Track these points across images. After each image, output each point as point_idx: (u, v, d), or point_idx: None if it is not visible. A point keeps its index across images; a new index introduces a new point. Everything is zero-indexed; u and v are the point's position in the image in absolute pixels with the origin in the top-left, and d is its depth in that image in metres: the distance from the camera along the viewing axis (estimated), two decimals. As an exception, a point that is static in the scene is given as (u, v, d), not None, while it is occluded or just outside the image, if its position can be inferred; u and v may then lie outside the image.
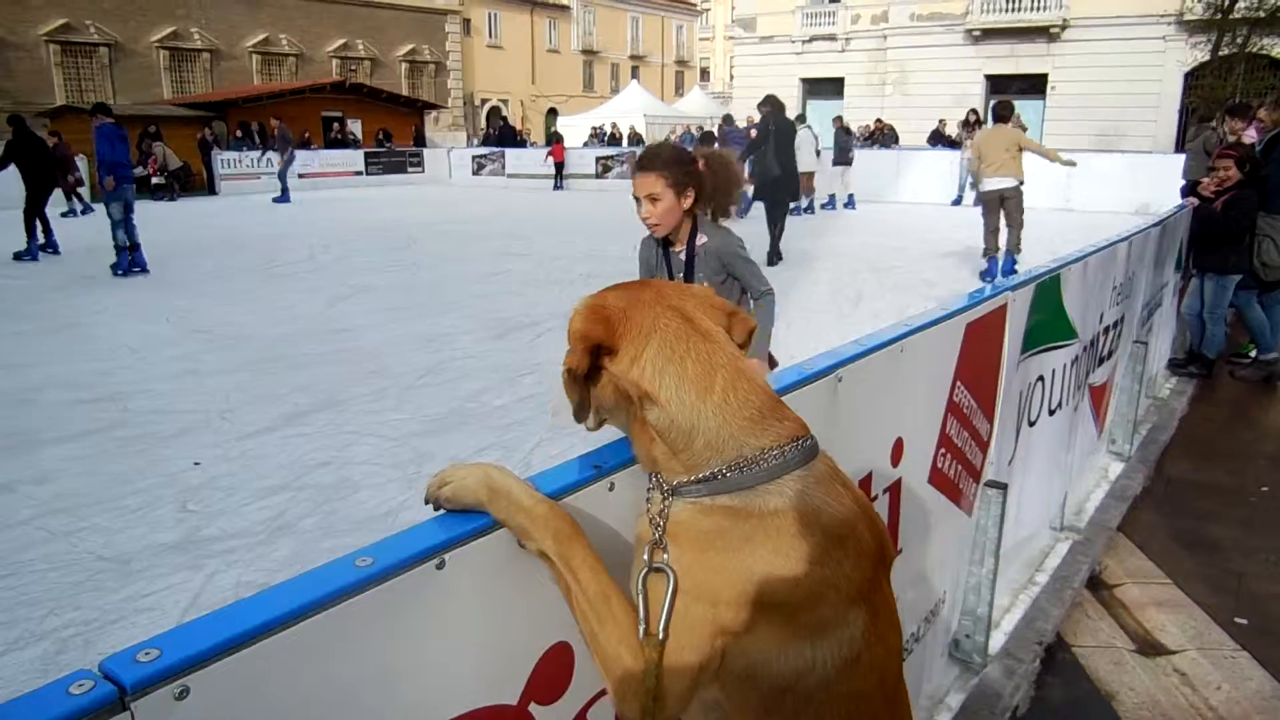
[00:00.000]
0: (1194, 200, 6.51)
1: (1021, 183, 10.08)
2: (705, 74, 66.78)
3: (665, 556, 1.11)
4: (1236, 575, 3.75)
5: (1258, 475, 4.87)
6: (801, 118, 21.50)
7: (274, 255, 12.72)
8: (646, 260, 3.43)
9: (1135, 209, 14.99)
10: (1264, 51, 24.73)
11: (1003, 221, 10.28)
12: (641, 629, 1.09)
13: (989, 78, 32.39)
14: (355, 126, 30.67)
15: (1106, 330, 4.22)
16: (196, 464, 4.76)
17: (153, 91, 33.42)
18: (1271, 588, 3.65)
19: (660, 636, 1.07)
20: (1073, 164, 11.26)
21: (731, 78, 44.15)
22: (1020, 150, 10.12)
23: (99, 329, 8.15)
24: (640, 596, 1.10)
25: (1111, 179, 17.70)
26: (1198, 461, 5.12)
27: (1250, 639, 3.25)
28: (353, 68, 40.35)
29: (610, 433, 1.28)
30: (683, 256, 3.28)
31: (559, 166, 26.32)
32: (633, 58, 58.25)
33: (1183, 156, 17.43)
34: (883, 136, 26.60)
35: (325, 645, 0.93)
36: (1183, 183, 6.96)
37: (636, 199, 3.13)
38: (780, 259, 11.68)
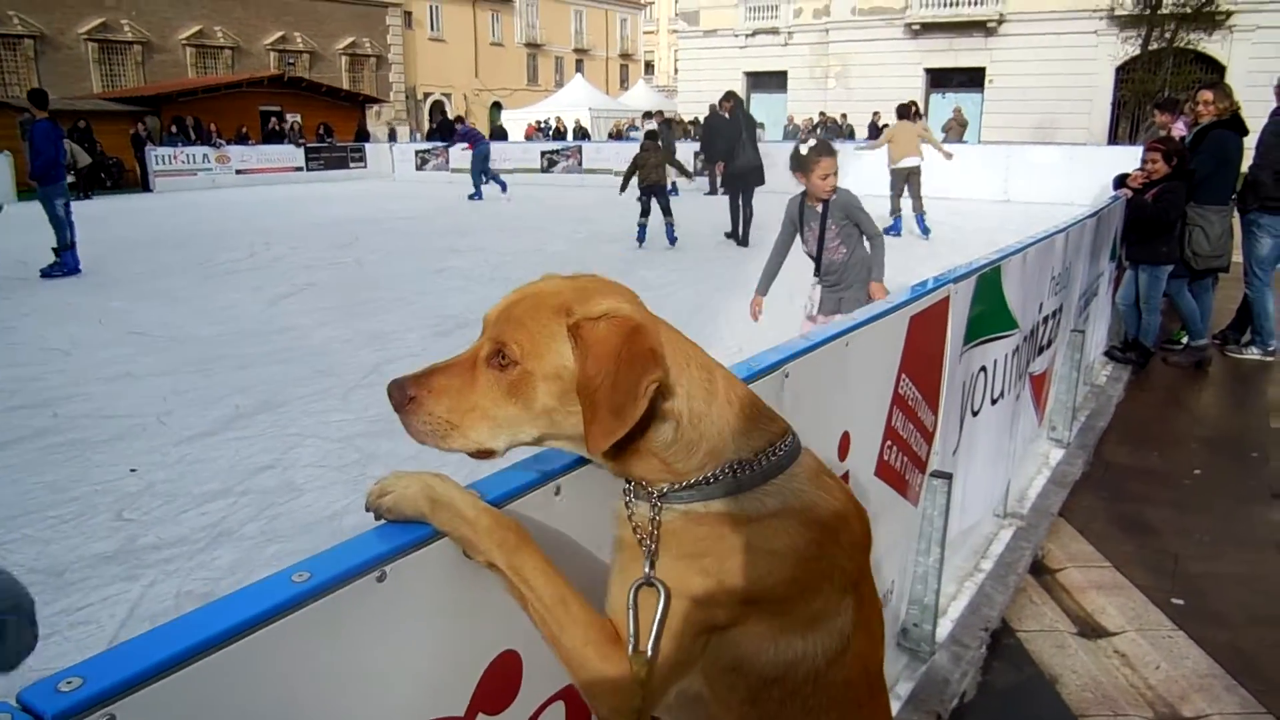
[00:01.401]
0: (1126, 192, 6.67)
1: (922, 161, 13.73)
2: (650, 67, 66.77)
3: (651, 571, 1.08)
4: (1173, 556, 3.85)
5: (1190, 459, 5.01)
6: (649, 114, 23.28)
7: (212, 253, 12.43)
8: (792, 215, 5.03)
9: (1091, 198, 15.63)
10: (1191, 46, 25.46)
11: (906, 193, 13.64)
12: (631, 645, 1.05)
13: (929, 71, 32.89)
14: (296, 121, 30.10)
15: (1045, 320, 4.31)
16: (133, 470, 4.62)
17: (81, 85, 32.39)
18: (1205, 568, 3.76)
19: (649, 654, 1.04)
20: (949, 156, 14.94)
21: (676, 71, 44.21)
22: (921, 141, 13.88)
23: (25, 332, 7.88)
24: (630, 612, 1.06)
25: (1048, 170, 18.08)
26: (1134, 446, 5.26)
27: (1186, 619, 3.34)
28: (291, 61, 39.54)
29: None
30: (818, 209, 4.84)
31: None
32: (577, 51, 58.00)
33: (1116, 148, 17.98)
34: (825, 130, 26.84)
35: (262, 665, 0.90)
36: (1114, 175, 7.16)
37: (825, 175, 4.68)
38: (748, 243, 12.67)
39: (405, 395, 1.11)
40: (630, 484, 1.15)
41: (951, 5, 31.70)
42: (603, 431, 1.05)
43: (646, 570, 1.08)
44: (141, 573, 3.57)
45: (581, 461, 1.27)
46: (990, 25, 31.17)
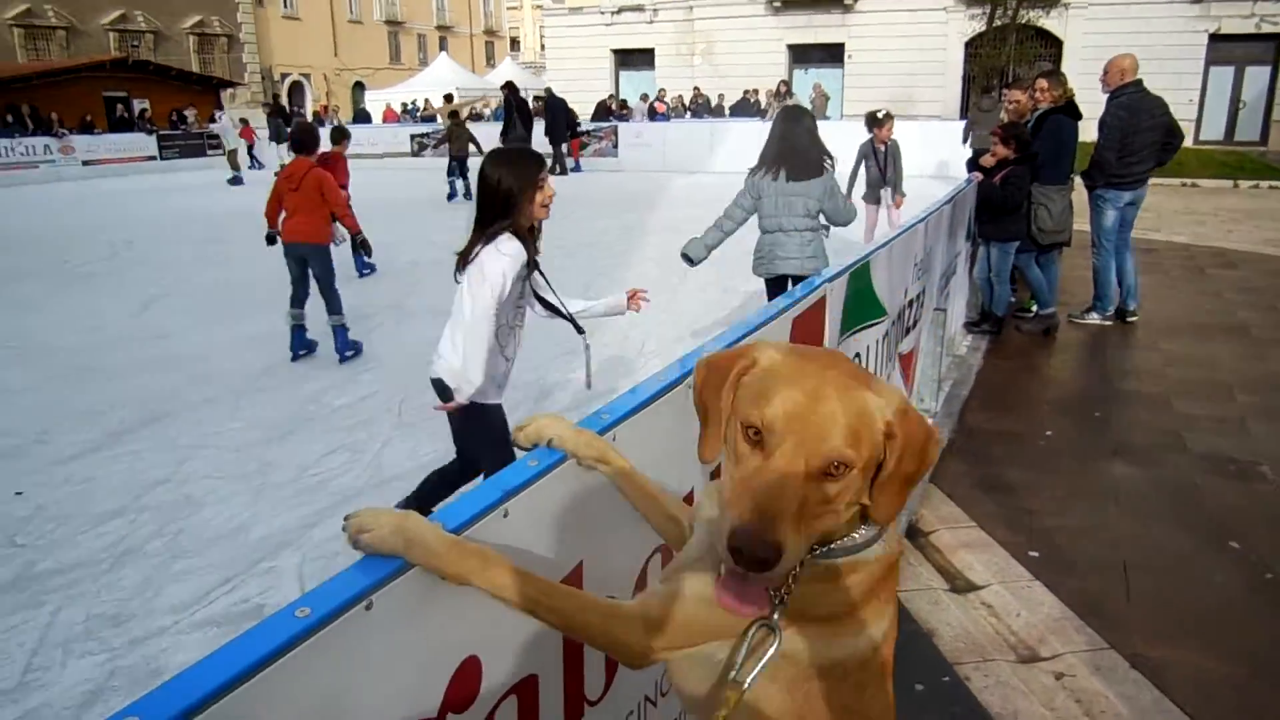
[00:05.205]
0: (978, 175, 7.17)
1: None
2: (515, 44, 65.96)
3: (776, 617, 1.21)
4: (1028, 513, 4.28)
5: (1043, 421, 5.50)
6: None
7: (69, 254, 11.80)
8: (864, 151, 10.03)
9: (934, 170, 17.08)
10: (1031, 23, 26.98)
11: None
12: (732, 674, 1.20)
13: (791, 47, 33.67)
14: (145, 107, 28.51)
15: (910, 303, 4.67)
16: (19, 494, 4.48)
17: (-105, 71, 29.73)
18: (1056, 522, 4.19)
19: (745, 687, 1.19)
20: None
21: (543, 48, 43.84)
22: None
23: None
24: (745, 645, 1.21)
25: (906, 144, 18.89)
26: (993, 411, 5.72)
27: (1041, 569, 3.75)
28: (134, 42, 37.29)
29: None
30: (883, 149, 9.93)
31: (247, 149, 24.55)
32: (440, 28, 56.75)
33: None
34: (697, 106, 27.28)
35: (273, 698, 1.02)
36: (969, 154, 7.71)
37: (891, 129, 9.98)
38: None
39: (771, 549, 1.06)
40: None
41: (810, -18, 32.53)
42: (897, 505, 1.20)
43: (775, 618, 1.21)
44: (45, 599, 3.51)
45: (528, 484, 1.44)
46: (847, 2, 32.14)
